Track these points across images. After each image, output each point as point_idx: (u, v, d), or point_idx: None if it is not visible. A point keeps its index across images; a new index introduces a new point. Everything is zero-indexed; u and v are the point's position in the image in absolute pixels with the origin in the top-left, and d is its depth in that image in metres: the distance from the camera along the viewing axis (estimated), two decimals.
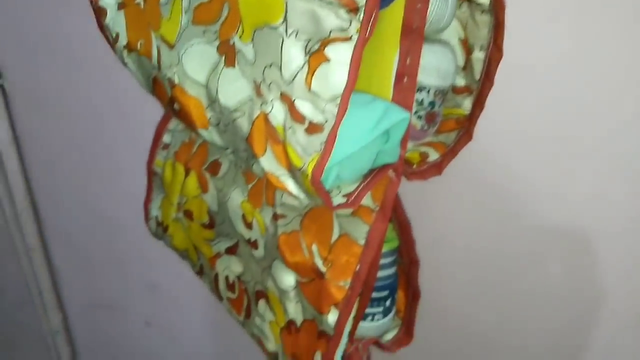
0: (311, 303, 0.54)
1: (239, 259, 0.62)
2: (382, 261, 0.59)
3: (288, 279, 0.55)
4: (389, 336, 0.65)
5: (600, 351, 0.70)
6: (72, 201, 1.02)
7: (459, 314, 0.75)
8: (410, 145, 0.59)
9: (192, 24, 0.47)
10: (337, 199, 0.46)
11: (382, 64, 0.45)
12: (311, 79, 0.40)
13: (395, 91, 0.46)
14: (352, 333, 0.54)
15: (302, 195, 0.45)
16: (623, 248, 0.64)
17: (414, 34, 0.44)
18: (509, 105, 0.59)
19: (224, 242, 0.64)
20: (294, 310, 0.56)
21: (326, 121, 0.40)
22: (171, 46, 0.48)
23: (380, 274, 0.58)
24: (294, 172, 0.43)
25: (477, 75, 0.56)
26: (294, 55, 0.40)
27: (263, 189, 0.58)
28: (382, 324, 0.61)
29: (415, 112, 0.55)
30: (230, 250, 0.63)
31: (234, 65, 0.44)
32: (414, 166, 0.58)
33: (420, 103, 0.54)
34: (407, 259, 0.63)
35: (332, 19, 0.38)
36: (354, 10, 0.37)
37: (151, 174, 0.74)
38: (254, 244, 0.59)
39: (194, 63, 0.47)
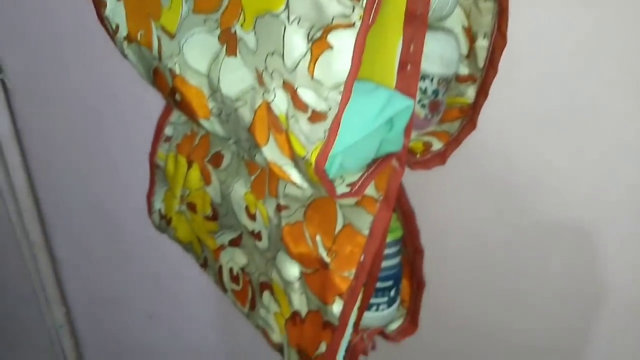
0: (316, 294, 0.53)
1: (243, 251, 0.62)
2: (387, 251, 0.58)
3: (292, 270, 0.55)
4: (394, 326, 0.65)
5: (601, 346, 0.70)
6: (74, 196, 1.02)
7: (460, 305, 0.75)
8: (413, 134, 0.59)
9: (193, 12, 0.46)
10: (341, 188, 0.45)
11: (385, 51, 0.44)
12: (314, 66, 0.39)
13: (399, 79, 0.45)
14: (356, 323, 0.54)
15: (305, 185, 0.45)
16: (627, 242, 0.63)
17: (418, 21, 0.43)
18: (513, 94, 0.59)
19: (228, 234, 0.63)
20: (299, 301, 0.56)
21: (329, 109, 0.40)
22: (172, 36, 0.48)
23: (385, 264, 0.58)
24: (297, 161, 0.42)
25: (481, 64, 0.55)
26: (296, 42, 0.40)
27: (266, 180, 0.58)
28: (387, 314, 0.61)
29: (419, 101, 0.54)
30: (234, 242, 0.63)
31: (235, 54, 0.44)
32: (418, 156, 0.58)
33: (424, 91, 0.54)
34: (411, 248, 0.63)
35: (335, 6, 0.38)
36: None
37: (154, 166, 0.73)
38: (257, 236, 0.59)
39: (195, 52, 0.46)
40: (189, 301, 1.04)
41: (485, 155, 0.64)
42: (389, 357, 0.73)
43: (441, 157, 0.58)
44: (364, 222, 0.50)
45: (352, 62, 0.38)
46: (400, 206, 0.61)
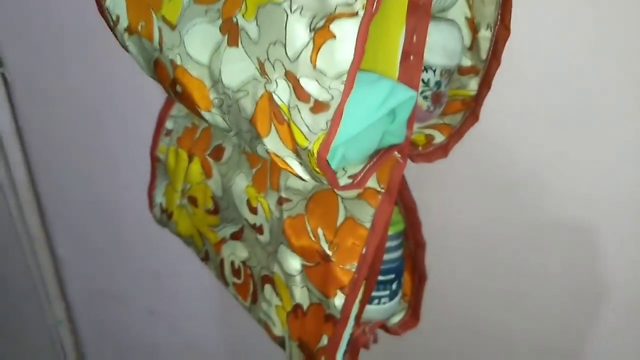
0: (317, 287, 0.53)
1: (245, 244, 0.62)
2: (388, 244, 0.58)
3: (294, 263, 0.55)
4: (396, 319, 0.65)
5: (601, 346, 0.69)
6: (75, 191, 1.02)
7: (459, 300, 0.75)
8: (415, 127, 0.58)
9: (194, 3, 0.46)
10: (343, 180, 0.45)
11: (388, 41, 0.44)
12: (316, 56, 0.39)
13: (402, 70, 0.45)
14: (358, 316, 0.54)
15: (307, 177, 0.44)
16: (627, 242, 0.63)
17: (421, 11, 0.43)
18: (517, 86, 0.59)
19: (229, 228, 0.63)
20: (301, 295, 0.55)
21: (332, 99, 0.39)
22: (173, 27, 0.47)
23: (386, 257, 0.58)
24: (300, 152, 0.42)
25: (484, 55, 0.55)
26: (298, 32, 0.39)
27: (267, 173, 0.57)
28: (388, 307, 0.61)
29: (421, 93, 0.54)
30: (236, 236, 0.63)
31: (237, 45, 0.43)
32: (420, 148, 0.58)
33: (426, 83, 0.53)
34: (413, 241, 0.62)
35: None
36: None
37: (154, 160, 0.73)
38: (259, 229, 0.59)
39: (196, 43, 0.46)
40: (190, 297, 1.04)
41: (488, 148, 0.63)
42: (388, 354, 0.73)
43: (443, 150, 0.58)
44: (365, 214, 0.50)
45: (355, 52, 0.38)
46: (402, 199, 0.61)
